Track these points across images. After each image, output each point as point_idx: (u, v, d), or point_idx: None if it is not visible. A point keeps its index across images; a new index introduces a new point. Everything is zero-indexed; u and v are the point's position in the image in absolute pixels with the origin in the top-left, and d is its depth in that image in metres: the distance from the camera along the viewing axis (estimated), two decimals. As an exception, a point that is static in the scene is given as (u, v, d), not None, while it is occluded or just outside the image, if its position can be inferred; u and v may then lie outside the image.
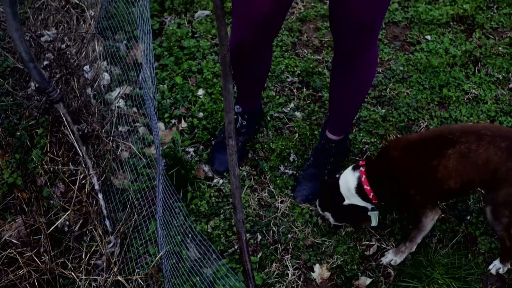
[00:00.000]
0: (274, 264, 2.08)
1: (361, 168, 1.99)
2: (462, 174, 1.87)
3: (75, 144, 2.10)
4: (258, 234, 2.15)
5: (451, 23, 2.90)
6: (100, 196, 2.05)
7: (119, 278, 1.91)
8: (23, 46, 1.66)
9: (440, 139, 1.91)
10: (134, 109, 2.48)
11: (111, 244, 1.97)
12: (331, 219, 2.10)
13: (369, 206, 2.04)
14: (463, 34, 2.86)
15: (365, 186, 1.97)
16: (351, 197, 2.02)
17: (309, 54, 2.75)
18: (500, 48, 2.80)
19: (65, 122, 2.09)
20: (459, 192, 1.98)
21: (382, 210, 2.16)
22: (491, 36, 2.87)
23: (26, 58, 1.70)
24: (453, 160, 1.86)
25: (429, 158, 1.89)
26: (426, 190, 1.93)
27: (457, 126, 2.11)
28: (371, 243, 2.14)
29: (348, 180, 2.02)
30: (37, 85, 2.35)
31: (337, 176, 2.09)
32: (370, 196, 1.98)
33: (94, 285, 1.93)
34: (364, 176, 1.98)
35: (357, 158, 2.36)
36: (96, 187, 2.06)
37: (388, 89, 2.62)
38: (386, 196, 2.00)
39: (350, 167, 2.04)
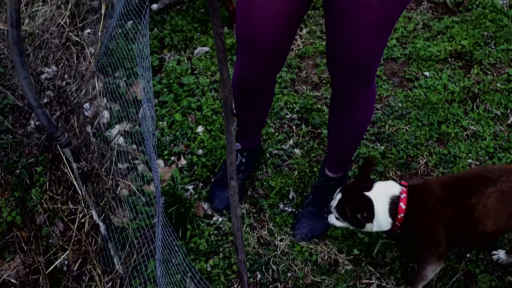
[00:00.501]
0: (273, 303, 2.10)
1: (404, 188, 1.97)
2: (501, 213, 1.87)
3: (75, 182, 2.13)
4: (257, 272, 2.17)
5: (449, 59, 2.96)
6: (102, 227, 2.07)
7: (118, 318, 1.92)
8: (32, 93, 1.71)
9: (479, 177, 1.92)
10: (134, 146, 2.52)
11: (110, 284, 1.99)
12: (335, 219, 2.04)
13: (385, 226, 1.98)
14: (461, 70, 2.91)
15: (401, 204, 1.95)
16: (378, 206, 1.95)
17: (308, 91, 2.80)
18: (498, 84, 2.85)
19: (64, 161, 2.12)
20: (492, 235, 1.95)
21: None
22: (489, 72, 2.92)
23: (35, 105, 1.75)
24: (493, 199, 1.86)
25: (468, 195, 1.89)
26: (456, 231, 1.92)
27: (496, 166, 2.13)
28: (371, 281, 2.16)
29: (392, 186, 1.97)
30: (37, 123, 2.39)
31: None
32: (399, 216, 1.94)
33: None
34: (404, 194, 1.97)
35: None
36: (98, 221, 2.09)
37: (387, 125, 2.66)
38: (412, 224, 1.97)
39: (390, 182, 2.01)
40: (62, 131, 1.97)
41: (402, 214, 1.94)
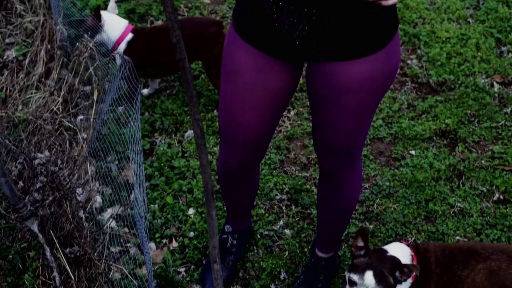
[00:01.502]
0: None
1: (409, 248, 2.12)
2: None
3: (67, 267, 2.20)
4: None
5: (434, 138, 3.11)
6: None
7: None
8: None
9: (473, 252, 2.07)
10: (126, 229, 2.61)
11: None
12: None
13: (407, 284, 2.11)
14: (446, 148, 3.05)
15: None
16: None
17: (297, 172, 2.92)
18: (483, 161, 2.98)
19: (57, 245, 2.20)
20: None
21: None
22: (474, 150, 3.06)
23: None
24: (482, 275, 2.00)
25: (461, 267, 2.04)
26: None
27: (490, 244, 2.30)
28: None
29: (403, 248, 2.13)
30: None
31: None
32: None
33: None
34: (413, 253, 2.11)
35: (347, 275, 2.46)
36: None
37: (375, 204, 2.77)
38: (417, 283, 2.11)
39: (395, 243, 2.17)
40: (25, 203, 2.05)
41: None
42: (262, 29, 1.71)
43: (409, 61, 3.59)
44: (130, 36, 3.09)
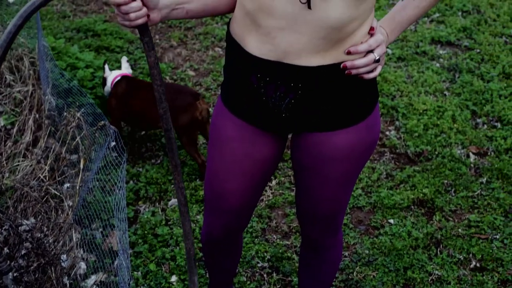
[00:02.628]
0: None
1: None
2: None
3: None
4: None
5: (412, 207, 3.25)
6: None
7: None
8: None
9: None
10: (109, 296, 2.68)
11: None
12: None
13: None
14: (424, 217, 3.19)
15: None
16: None
17: (278, 240, 3.04)
18: (459, 230, 3.12)
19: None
20: None
21: None
22: (451, 219, 3.20)
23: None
24: None
25: None
26: None
27: None
28: None
29: None
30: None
31: None
32: None
33: None
34: None
35: None
36: None
37: (355, 272, 2.87)
38: None
39: None
40: (5, 257, 2.13)
41: None
42: (249, 102, 1.85)
43: (387, 132, 3.77)
44: (118, 78, 3.54)
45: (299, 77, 1.73)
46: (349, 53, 1.72)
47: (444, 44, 4.72)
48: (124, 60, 3.72)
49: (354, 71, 1.74)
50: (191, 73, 4.33)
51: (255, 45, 1.73)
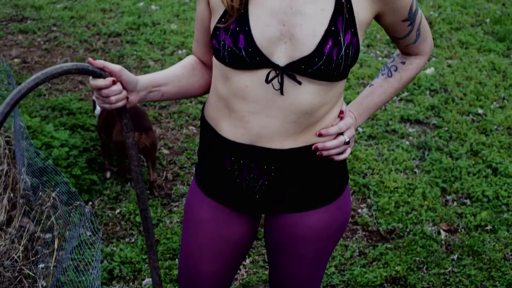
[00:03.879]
0: None
1: None
2: None
3: None
4: None
5: (385, 284, 3.34)
6: None
7: None
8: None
9: None
10: None
11: None
12: None
13: None
14: (397, 294, 3.27)
15: None
16: None
17: (252, 319, 3.09)
18: (432, 307, 3.20)
19: None
20: None
21: None
22: (423, 296, 3.29)
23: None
24: None
25: None
26: None
27: None
28: None
29: None
30: None
31: None
32: None
33: None
34: None
35: None
36: None
37: None
38: None
39: None
40: None
41: None
42: (223, 184, 1.94)
43: (359, 210, 3.89)
44: None
45: (272, 160, 1.84)
46: (320, 135, 1.86)
47: (413, 122, 4.92)
48: None
49: (325, 153, 1.87)
50: (165, 151, 4.45)
51: (228, 129, 1.86)
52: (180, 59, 5.77)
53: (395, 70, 2.05)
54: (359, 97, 2.06)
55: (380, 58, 5.96)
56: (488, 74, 5.70)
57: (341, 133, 1.90)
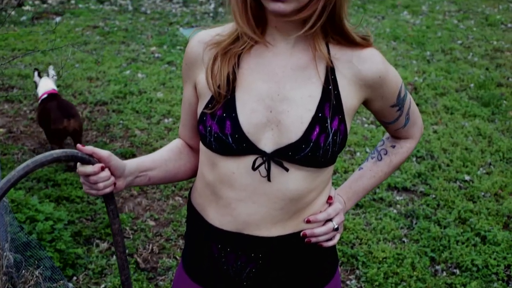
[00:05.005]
0: None
1: None
2: None
3: None
4: None
5: None
6: None
7: None
8: None
9: None
10: None
11: None
12: None
13: None
14: None
15: None
16: None
17: None
18: None
19: None
20: None
21: None
22: None
23: None
24: None
25: None
26: None
27: None
28: None
29: None
30: None
31: None
32: None
33: None
34: None
35: None
36: None
37: None
38: None
39: None
40: None
41: None
42: (210, 270, 1.93)
43: (348, 282, 3.89)
44: (45, 96, 5.31)
45: (259, 247, 1.84)
46: (308, 221, 1.87)
47: (401, 190, 4.97)
48: (51, 69, 5.71)
49: (313, 239, 1.88)
50: (152, 223, 4.45)
51: (215, 216, 1.87)
52: (166, 127, 5.83)
53: (385, 154, 2.08)
54: (348, 180, 2.09)
55: (366, 125, 6.06)
56: (474, 139, 5.79)
57: (330, 219, 1.91)
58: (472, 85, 6.87)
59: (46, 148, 5.55)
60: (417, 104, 6.40)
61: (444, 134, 5.85)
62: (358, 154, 5.44)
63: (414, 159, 5.43)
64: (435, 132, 5.91)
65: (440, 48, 7.94)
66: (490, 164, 5.40)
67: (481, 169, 5.31)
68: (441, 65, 7.37)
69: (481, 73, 7.19)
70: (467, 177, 5.14)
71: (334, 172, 5.11)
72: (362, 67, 1.82)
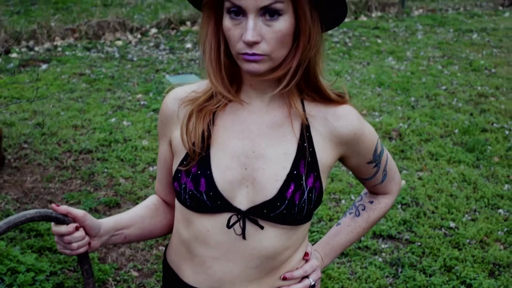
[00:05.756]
0: None
1: None
2: None
3: None
4: None
5: None
6: None
7: None
8: None
9: None
10: None
11: None
12: None
13: None
14: None
15: None
16: None
17: None
18: None
19: None
20: None
21: None
22: None
23: None
24: None
25: None
26: None
27: None
28: None
29: None
30: None
31: None
32: None
33: None
34: None
35: None
36: None
37: None
38: None
39: None
40: None
41: None
42: None
43: (333, 333, 3.87)
44: None
45: None
46: (284, 279, 1.88)
47: (386, 238, 4.97)
48: None
49: (290, 297, 1.89)
50: (135, 273, 4.42)
51: (190, 274, 1.88)
52: (151, 176, 5.84)
53: (363, 209, 2.10)
54: (326, 236, 2.10)
55: (351, 172, 6.07)
56: (459, 186, 5.83)
57: (307, 276, 1.92)
58: (456, 130, 6.94)
59: (30, 197, 5.54)
60: (402, 151, 6.45)
61: (429, 180, 5.88)
62: (343, 201, 5.46)
63: (399, 206, 5.45)
64: (420, 178, 5.95)
65: (425, 94, 8.04)
66: (475, 210, 5.43)
67: (466, 215, 5.33)
68: (425, 111, 7.45)
69: (466, 119, 7.26)
70: (452, 224, 5.16)
71: (319, 220, 5.12)
72: (337, 124, 1.85)
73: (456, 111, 7.55)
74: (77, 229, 1.77)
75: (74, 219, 1.78)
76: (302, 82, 1.81)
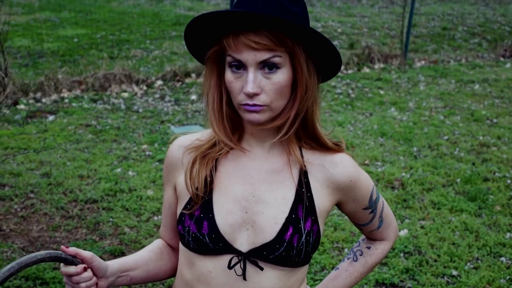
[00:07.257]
0: None
1: None
2: None
3: None
4: None
5: None
6: None
7: None
8: None
9: None
10: None
11: None
12: None
13: None
14: None
15: None
16: None
17: None
18: None
19: None
20: None
21: None
22: None
23: None
24: None
25: None
26: None
27: None
28: None
29: None
30: None
31: None
32: None
33: None
34: None
35: None
36: None
37: None
38: None
39: None
40: None
41: None
42: None
43: None
44: None
45: None
46: None
47: (388, 286, 5.02)
48: None
49: None
50: (139, 321, 4.47)
51: None
52: (155, 225, 5.93)
53: (361, 255, 2.19)
54: (324, 280, 2.19)
55: (354, 221, 6.15)
56: (461, 234, 5.89)
57: None
58: (458, 180, 7.03)
59: (36, 246, 5.62)
60: (404, 200, 6.54)
61: (431, 229, 5.95)
62: (346, 250, 5.52)
63: (401, 254, 5.51)
64: (422, 227, 6.02)
65: (427, 144, 8.15)
66: (477, 259, 5.48)
67: (468, 264, 5.38)
68: (428, 161, 7.56)
69: (468, 168, 7.36)
70: (454, 272, 5.21)
71: (322, 269, 5.17)
72: (334, 171, 1.96)
73: (458, 160, 7.66)
74: (85, 269, 1.87)
75: (83, 260, 1.88)
76: (300, 131, 1.93)
